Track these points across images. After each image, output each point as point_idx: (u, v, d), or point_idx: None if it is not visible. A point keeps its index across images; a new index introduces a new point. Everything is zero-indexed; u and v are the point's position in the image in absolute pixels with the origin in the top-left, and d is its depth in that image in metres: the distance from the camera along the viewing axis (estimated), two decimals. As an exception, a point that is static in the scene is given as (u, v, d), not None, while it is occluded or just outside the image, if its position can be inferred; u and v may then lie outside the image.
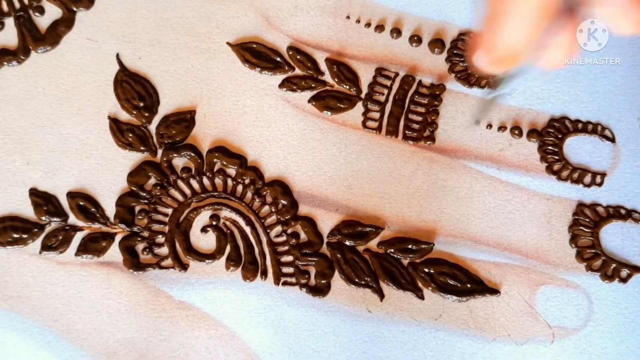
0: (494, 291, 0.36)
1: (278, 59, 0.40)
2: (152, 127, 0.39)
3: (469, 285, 0.36)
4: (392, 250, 0.37)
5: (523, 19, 0.21)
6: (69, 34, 0.40)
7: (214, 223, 0.37)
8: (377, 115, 0.39)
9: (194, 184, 0.38)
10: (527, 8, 0.21)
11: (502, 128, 0.39)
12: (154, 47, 0.40)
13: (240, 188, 0.38)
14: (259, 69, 0.40)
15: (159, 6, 0.41)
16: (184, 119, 0.39)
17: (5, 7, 0.41)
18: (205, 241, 0.37)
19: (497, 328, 0.36)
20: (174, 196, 0.38)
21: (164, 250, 0.37)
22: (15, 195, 0.37)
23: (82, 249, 0.37)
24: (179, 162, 0.38)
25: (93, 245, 0.37)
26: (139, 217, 0.37)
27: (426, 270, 0.37)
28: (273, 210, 0.38)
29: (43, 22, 0.41)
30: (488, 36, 0.22)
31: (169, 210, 0.38)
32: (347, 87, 0.40)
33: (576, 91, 0.40)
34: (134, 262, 0.36)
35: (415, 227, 0.37)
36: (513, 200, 0.38)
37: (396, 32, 0.41)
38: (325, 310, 0.36)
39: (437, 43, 0.41)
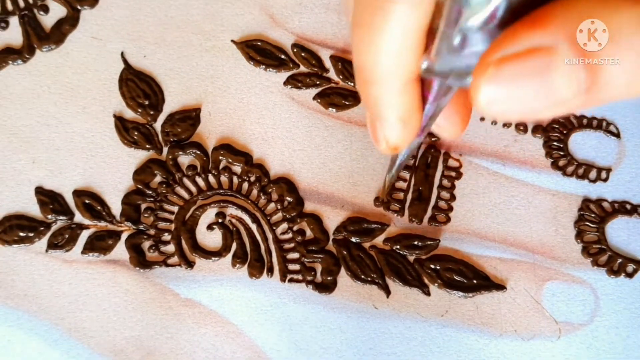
0: (500, 287, 0.36)
1: (283, 57, 0.40)
2: (158, 125, 0.39)
3: (475, 281, 0.36)
4: (398, 246, 0.37)
5: (396, 122, 0.23)
6: (74, 33, 0.40)
7: (220, 221, 0.37)
8: (382, 112, 0.39)
9: (200, 181, 0.38)
10: (394, 115, 0.22)
11: (506, 124, 0.39)
12: (159, 45, 0.40)
13: (245, 185, 0.38)
14: (264, 67, 0.40)
15: (163, 4, 0.41)
16: (189, 117, 0.39)
17: (9, 6, 0.41)
18: (211, 239, 0.37)
19: (504, 324, 0.36)
20: (179, 194, 0.38)
21: (170, 248, 0.37)
22: (21, 193, 0.37)
23: (89, 247, 0.37)
24: (185, 159, 0.38)
25: (99, 244, 0.37)
26: (145, 215, 0.37)
27: (432, 266, 0.37)
28: (279, 207, 0.38)
29: (48, 20, 0.41)
30: (374, 134, 0.24)
31: (175, 208, 0.38)
32: (352, 84, 0.40)
33: (581, 87, 0.40)
34: (140, 260, 0.36)
35: (422, 223, 0.37)
36: (518, 196, 0.38)
37: (400, 29, 0.41)
38: (332, 307, 0.36)
39: (441, 40, 0.41)
